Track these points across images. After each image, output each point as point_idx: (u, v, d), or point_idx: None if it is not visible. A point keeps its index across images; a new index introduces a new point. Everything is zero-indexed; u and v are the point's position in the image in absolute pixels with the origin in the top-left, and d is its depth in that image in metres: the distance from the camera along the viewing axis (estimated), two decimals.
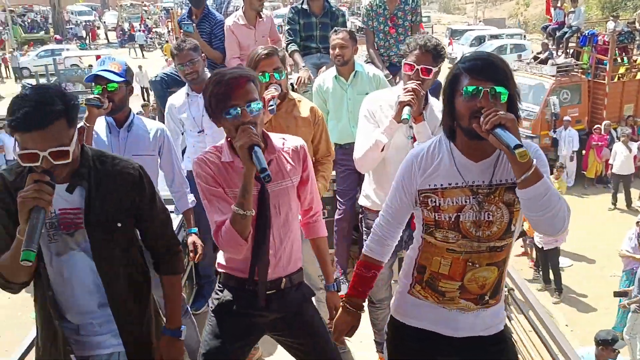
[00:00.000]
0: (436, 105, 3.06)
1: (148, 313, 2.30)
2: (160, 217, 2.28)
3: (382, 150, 2.98)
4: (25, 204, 1.81)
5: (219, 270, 2.44)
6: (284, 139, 2.40)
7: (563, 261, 10.08)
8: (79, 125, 2.13)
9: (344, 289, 4.37)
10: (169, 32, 23.08)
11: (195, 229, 3.43)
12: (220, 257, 2.43)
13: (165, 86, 4.73)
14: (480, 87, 1.91)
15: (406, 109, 2.81)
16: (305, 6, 5.11)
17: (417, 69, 2.90)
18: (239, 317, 2.36)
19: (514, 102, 1.98)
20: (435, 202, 2.10)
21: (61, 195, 2.01)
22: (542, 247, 9.46)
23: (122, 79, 3.09)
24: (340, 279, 4.40)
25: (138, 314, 2.25)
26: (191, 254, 3.40)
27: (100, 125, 3.24)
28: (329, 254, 2.62)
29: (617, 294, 8.08)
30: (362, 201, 3.42)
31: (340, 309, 2.40)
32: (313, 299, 2.57)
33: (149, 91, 18.94)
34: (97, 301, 2.16)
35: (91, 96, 3.06)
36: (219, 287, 2.44)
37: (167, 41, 22.53)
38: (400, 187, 2.20)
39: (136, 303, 2.24)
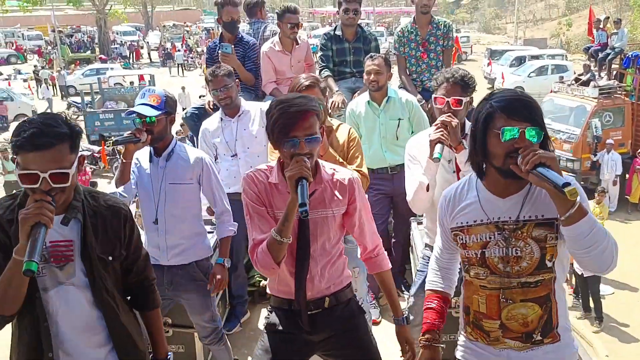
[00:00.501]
0: None
1: (143, 346, 2.32)
2: (144, 254, 2.34)
3: (428, 189, 2.98)
4: (26, 220, 1.83)
5: (268, 291, 2.50)
6: (335, 170, 2.42)
7: (604, 288, 9.78)
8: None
9: (375, 314, 4.42)
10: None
11: (223, 260, 3.41)
12: (270, 280, 2.48)
13: (197, 120, 4.80)
14: (517, 129, 1.92)
15: (438, 147, 2.82)
16: (338, 32, 5.18)
17: (448, 101, 2.94)
18: (288, 336, 2.41)
19: (547, 140, 1.98)
20: (462, 239, 2.14)
21: (54, 227, 1.97)
22: (582, 274, 9.21)
23: (159, 112, 3.13)
24: (372, 302, 4.41)
25: (140, 349, 2.27)
26: (209, 285, 3.35)
27: (144, 154, 3.31)
28: (394, 287, 2.59)
29: None
30: (425, 239, 3.40)
31: (421, 348, 2.35)
32: None
33: None
34: (90, 339, 2.14)
35: (125, 133, 3.13)
36: (269, 308, 2.51)
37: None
38: (440, 226, 2.28)
39: (137, 336, 2.26)
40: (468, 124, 3.10)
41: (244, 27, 5.79)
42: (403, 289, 4.55)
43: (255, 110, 4.13)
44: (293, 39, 5.11)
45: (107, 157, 15.57)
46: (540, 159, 1.84)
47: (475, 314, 2.16)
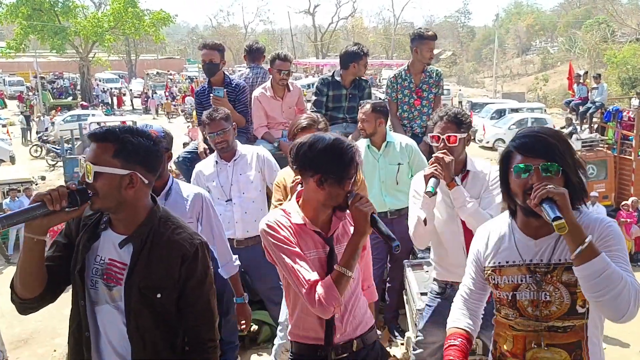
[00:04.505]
0: (480, 169, 3.10)
1: None
2: (204, 306, 2.12)
3: (426, 224, 2.99)
4: (38, 197, 1.87)
5: (290, 339, 2.45)
6: None
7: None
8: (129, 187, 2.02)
9: None
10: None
11: (242, 299, 3.29)
12: (293, 326, 2.42)
13: (189, 164, 4.78)
14: (530, 165, 1.92)
15: (431, 181, 2.87)
16: (337, 78, 5.23)
17: (443, 139, 2.98)
18: None
19: (574, 175, 1.95)
20: (495, 280, 2.12)
21: (115, 245, 2.02)
22: None
23: None
24: None
25: None
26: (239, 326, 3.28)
27: None
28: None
29: None
30: (432, 273, 3.40)
31: None
32: None
33: None
34: None
35: None
36: (290, 356, 2.46)
37: (194, 108, 22.99)
38: (472, 265, 2.26)
39: None
40: (470, 161, 3.12)
41: (244, 71, 5.91)
42: (396, 334, 4.51)
43: (251, 155, 4.05)
44: (283, 86, 5.16)
45: None
46: (547, 194, 1.81)
47: (501, 350, 2.16)
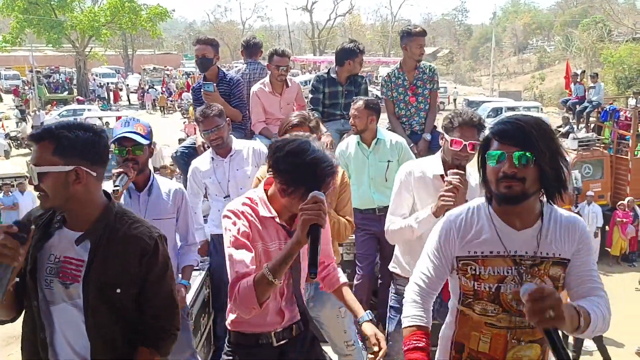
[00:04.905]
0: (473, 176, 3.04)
1: None
2: (167, 299, 2.11)
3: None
4: None
5: (230, 329, 2.37)
6: None
7: (588, 344, 9.57)
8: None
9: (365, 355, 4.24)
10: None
11: (187, 282, 3.31)
12: (231, 316, 2.36)
13: (187, 159, 4.74)
14: (503, 152, 1.87)
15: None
16: (333, 75, 5.25)
17: (465, 145, 2.90)
18: None
19: (547, 165, 1.87)
20: (475, 270, 2.02)
21: (72, 242, 1.99)
22: None
23: (147, 142, 3.03)
24: (363, 345, 4.24)
25: None
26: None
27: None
28: (354, 297, 2.57)
29: None
30: (392, 267, 3.39)
31: None
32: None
33: None
34: None
35: (114, 172, 2.96)
36: (228, 346, 2.38)
37: (191, 104, 22.92)
38: (437, 252, 2.11)
39: None
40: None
41: (241, 66, 5.89)
42: None
43: (247, 150, 4.04)
44: (281, 81, 5.15)
45: None
46: (552, 325, 1.65)
47: (472, 352, 2.05)
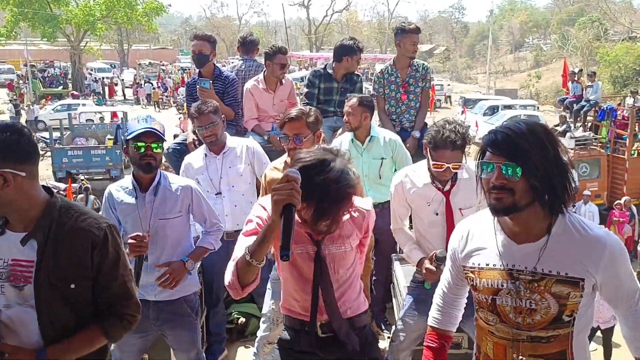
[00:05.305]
0: (468, 175, 3.07)
1: None
2: (121, 288, 2.09)
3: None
4: None
5: (282, 312, 2.47)
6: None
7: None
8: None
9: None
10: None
11: (187, 259, 3.21)
12: (284, 300, 2.43)
13: (179, 156, 4.74)
14: (492, 163, 1.83)
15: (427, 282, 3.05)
16: (329, 71, 5.22)
17: (448, 167, 2.93)
18: (299, 355, 2.39)
19: (535, 179, 1.80)
20: (473, 281, 2.04)
21: (17, 244, 1.95)
22: (598, 326, 8.98)
23: (164, 140, 3.07)
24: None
25: None
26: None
27: (125, 189, 3.14)
28: None
29: None
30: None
31: None
32: None
33: None
34: None
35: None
36: (285, 324, 2.47)
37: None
38: (451, 260, 2.18)
39: None
40: (464, 170, 3.09)
41: (236, 63, 5.89)
42: (383, 327, 4.52)
43: (241, 148, 4.03)
44: (280, 79, 5.14)
45: (73, 196, 14.94)
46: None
47: (485, 355, 2.09)
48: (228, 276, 2.08)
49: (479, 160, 1.92)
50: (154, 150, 2.99)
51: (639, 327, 1.97)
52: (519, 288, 1.91)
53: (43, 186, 2.05)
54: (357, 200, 2.34)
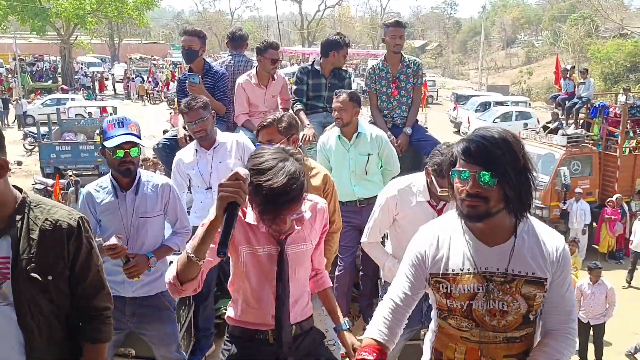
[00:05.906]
0: None
1: None
2: (95, 277, 2.14)
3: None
4: None
5: (229, 323, 2.41)
6: (309, 199, 2.33)
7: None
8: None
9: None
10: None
11: (152, 255, 3.19)
12: (230, 311, 2.40)
13: (169, 151, 4.74)
14: (467, 171, 1.86)
15: None
16: (317, 67, 5.25)
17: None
18: None
19: (509, 189, 1.86)
20: (446, 288, 2.00)
21: None
22: (588, 322, 9.03)
23: (141, 141, 3.04)
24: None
25: None
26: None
27: (104, 188, 3.13)
28: (335, 300, 2.63)
29: None
30: (383, 275, 3.47)
31: None
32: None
33: None
34: None
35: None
36: (227, 338, 2.41)
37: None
38: (411, 269, 2.09)
39: None
40: None
41: (225, 58, 5.86)
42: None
43: (231, 143, 4.05)
44: (272, 74, 5.12)
45: (61, 192, 14.75)
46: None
47: None
48: (169, 274, 2.08)
49: (451, 167, 1.94)
50: (132, 155, 3.01)
51: (556, 344, 1.99)
52: (492, 290, 1.95)
53: (13, 186, 2.07)
54: (312, 197, 2.37)
